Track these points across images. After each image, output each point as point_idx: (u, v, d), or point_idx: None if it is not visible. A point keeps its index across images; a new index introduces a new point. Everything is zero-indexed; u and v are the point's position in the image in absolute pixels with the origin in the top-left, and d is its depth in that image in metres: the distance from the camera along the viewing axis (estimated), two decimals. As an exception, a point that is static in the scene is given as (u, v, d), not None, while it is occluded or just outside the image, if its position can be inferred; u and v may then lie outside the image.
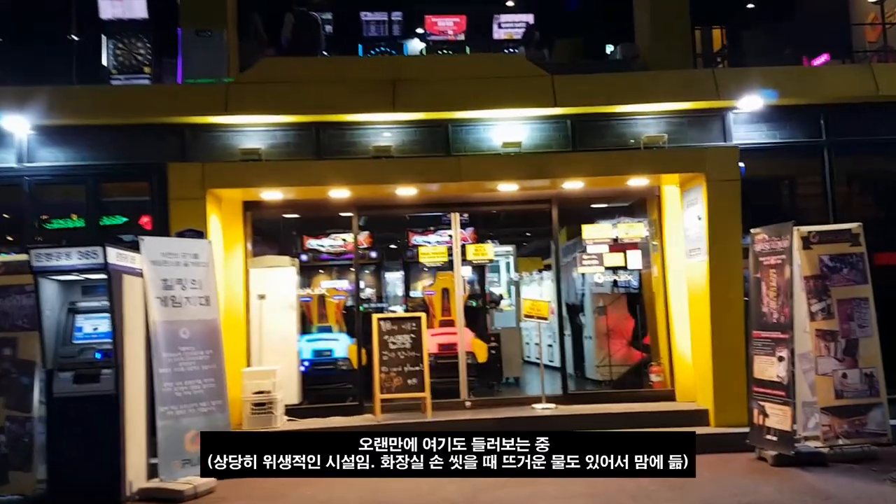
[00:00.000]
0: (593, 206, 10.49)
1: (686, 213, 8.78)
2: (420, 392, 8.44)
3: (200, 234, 7.72)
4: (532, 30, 10.66)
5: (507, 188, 8.66)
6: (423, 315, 8.77)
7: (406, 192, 8.63)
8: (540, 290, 17.70)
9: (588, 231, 9.47)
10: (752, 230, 7.67)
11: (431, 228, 12.07)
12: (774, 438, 7.15)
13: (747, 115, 8.78)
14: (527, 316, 9.11)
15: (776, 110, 8.72)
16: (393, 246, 12.83)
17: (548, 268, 19.11)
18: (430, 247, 9.82)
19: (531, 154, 8.61)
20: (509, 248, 13.87)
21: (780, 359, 7.15)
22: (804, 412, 7.24)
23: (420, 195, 8.91)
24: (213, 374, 6.97)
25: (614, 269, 9.60)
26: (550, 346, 16.51)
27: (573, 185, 8.66)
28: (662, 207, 9.27)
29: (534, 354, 16.61)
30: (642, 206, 9.99)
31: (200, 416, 6.74)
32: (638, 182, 8.73)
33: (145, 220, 8.75)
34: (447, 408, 8.86)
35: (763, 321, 7.44)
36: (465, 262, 9.47)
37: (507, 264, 15.05)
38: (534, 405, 8.95)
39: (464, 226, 10.48)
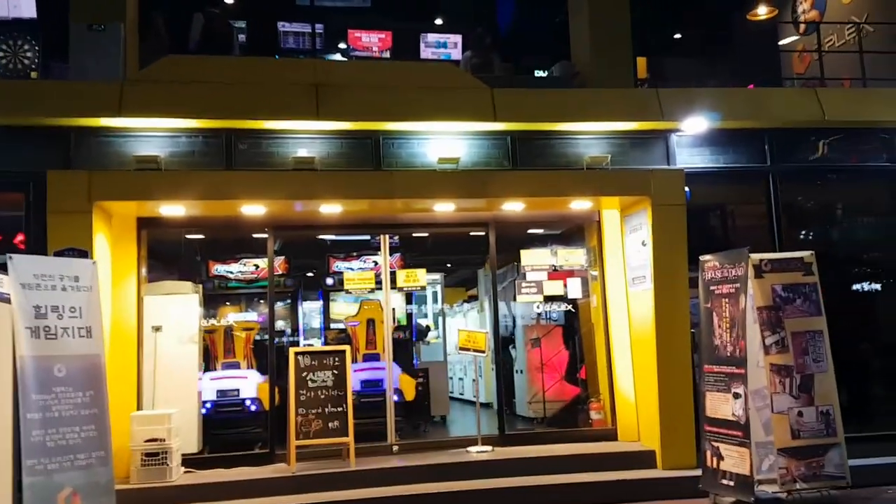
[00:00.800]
0: (530, 231, 10.02)
1: (628, 240, 8.42)
2: (343, 437, 7.59)
3: (84, 253, 6.68)
4: (483, 34, 10.14)
5: (443, 208, 8.05)
6: (347, 348, 7.95)
7: (330, 209, 7.85)
8: (464, 322, 17.22)
9: (526, 257, 8.96)
10: (701, 257, 7.35)
11: (354, 254, 11.28)
12: (731, 483, 6.74)
13: (691, 139, 8.56)
14: (462, 349, 8.46)
15: (720, 134, 8.54)
16: (310, 274, 11.96)
17: (471, 299, 18.80)
18: (356, 272, 9.03)
19: (469, 171, 8.05)
20: (437, 276, 13.20)
21: (736, 396, 6.78)
22: (758, 453, 6.87)
23: (345, 214, 8.16)
24: (94, 419, 5.91)
25: (550, 299, 9.09)
26: (475, 380, 16.00)
27: (513, 205, 8.14)
28: (602, 234, 8.90)
29: (458, 390, 16.05)
30: (580, 233, 9.59)
31: (77, 471, 5.68)
32: (580, 205, 8.31)
33: (20, 240, 7.58)
34: (372, 453, 8.04)
35: (715, 355, 7.08)
36: (394, 288, 8.74)
37: (434, 294, 14.40)
38: (468, 448, 8.26)
39: (391, 251, 9.81)
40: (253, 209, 7.68)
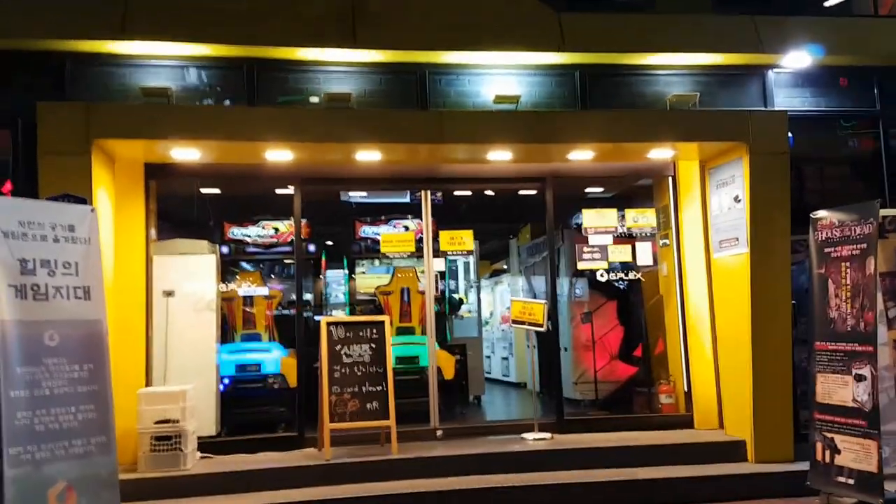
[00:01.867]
0: (588, 190, 9.00)
1: (714, 197, 7.36)
2: (383, 419, 6.65)
3: (81, 199, 5.73)
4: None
5: (499, 156, 7.00)
6: (385, 318, 6.99)
7: (366, 157, 6.84)
8: (491, 298, 16.27)
9: (589, 218, 7.91)
10: (815, 214, 6.28)
11: (382, 218, 10.31)
12: (850, 481, 5.72)
13: (789, 77, 7.46)
14: (515, 322, 7.46)
15: (823, 72, 7.43)
16: (330, 242, 11.03)
17: (497, 273, 17.81)
18: (394, 232, 8.01)
19: (532, 112, 6.99)
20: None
21: (859, 378, 5.74)
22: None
23: (381, 166, 7.15)
24: (93, 398, 4.99)
25: (607, 269, 8.07)
26: (505, 358, 15.10)
27: (581, 154, 7.08)
28: (678, 190, 7.84)
29: (494, 370, 15.14)
30: (645, 192, 8.55)
31: (73, 461, 4.78)
32: (659, 154, 7.25)
33: (7, 189, 6.65)
34: (413, 437, 7.12)
35: (831, 329, 6.03)
36: (437, 254, 7.74)
37: (466, 264, 13.42)
38: (523, 435, 7.32)
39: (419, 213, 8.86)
40: (277, 154, 6.67)
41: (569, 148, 6.93)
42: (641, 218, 7.96)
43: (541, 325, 7.17)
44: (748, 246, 6.77)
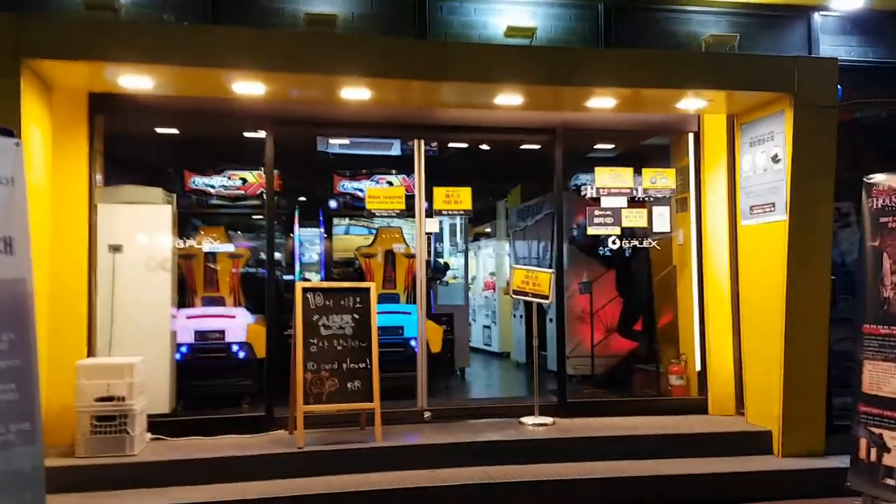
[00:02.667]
0: (597, 147, 8.19)
1: (746, 156, 6.59)
2: (366, 402, 5.84)
3: (6, 132, 4.74)
4: None
5: (508, 101, 6.11)
6: (371, 285, 6.14)
7: (353, 94, 5.91)
8: (474, 263, 15.50)
9: (602, 177, 7.09)
10: (869, 178, 5.54)
11: (364, 172, 9.41)
12: (900, 483, 5.10)
13: (837, 22, 6.66)
14: (517, 292, 6.66)
15: (875, 17, 6.63)
16: (304, 198, 10.13)
17: (479, 237, 17.03)
18: (380, 188, 7.10)
19: (549, 48, 6.11)
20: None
21: (918, 367, 5.09)
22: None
23: (368, 107, 6.24)
24: (14, 375, 4.08)
25: (620, 235, 7.28)
26: (487, 327, 14.41)
27: (599, 102, 6.23)
28: (701, 148, 7.06)
29: (475, 338, 14.45)
30: (661, 151, 7.78)
31: (-12, 451, 3.91)
32: (691, 104, 6.45)
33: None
34: (397, 419, 6.37)
35: (884, 311, 5.33)
36: (429, 213, 6.87)
37: (453, 226, 12.59)
38: (522, 419, 6.60)
39: (408, 170, 7.96)
40: (246, 86, 5.69)
41: (587, 93, 6.07)
42: (660, 179, 7.17)
43: (546, 297, 6.39)
44: (787, 212, 6.03)
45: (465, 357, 10.38)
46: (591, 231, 7.01)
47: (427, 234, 6.91)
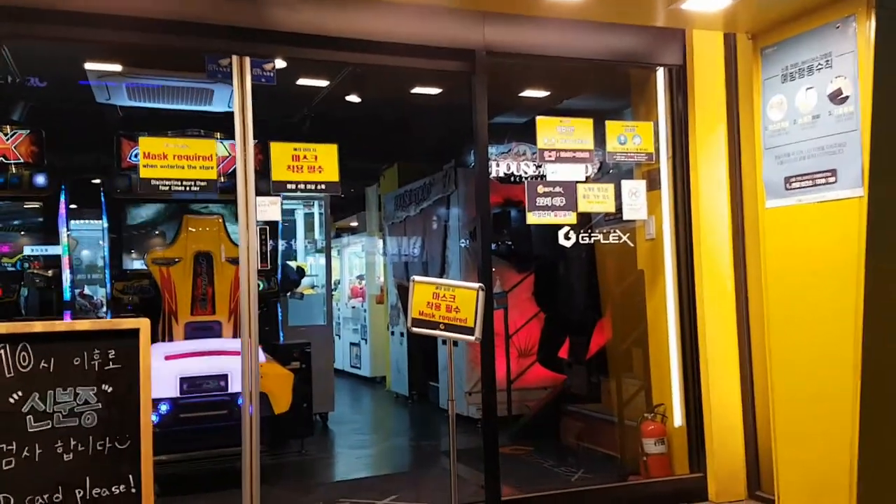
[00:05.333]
0: (526, 94, 5.69)
1: (776, 97, 4.29)
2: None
3: None
4: None
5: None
6: (142, 324, 3.19)
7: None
8: (338, 265, 12.77)
9: (549, 131, 4.55)
10: None
11: (170, 134, 6.35)
12: None
13: None
14: (419, 323, 3.89)
15: None
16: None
17: (343, 232, 14.25)
18: (174, 148, 4.06)
19: None
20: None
21: None
22: None
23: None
24: None
25: (574, 224, 4.78)
26: (356, 344, 11.74)
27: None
28: (692, 91, 4.76)
29: (340, 359, 11.80)
30: (616, 97, 5.46)
31: None
32: (693, 5, 4.05)
33: None
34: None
35: None
36: (269, 190, 4.03)
37: (309, 217, 9.77)
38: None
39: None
40: None
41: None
42: (632, 139, 4.74)
43: (471, 332, 3.73)
44: (863, 184, 3.76)
45: (329, 399, 7.72)
46: (532, 219, 4.44)
47: (262, 223, 4.10)
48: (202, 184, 3.85)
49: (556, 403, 6.90)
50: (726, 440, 4.70)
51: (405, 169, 9.28)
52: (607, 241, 4.96)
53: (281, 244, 7.03)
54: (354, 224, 13.60)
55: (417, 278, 3.88)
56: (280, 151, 3.96)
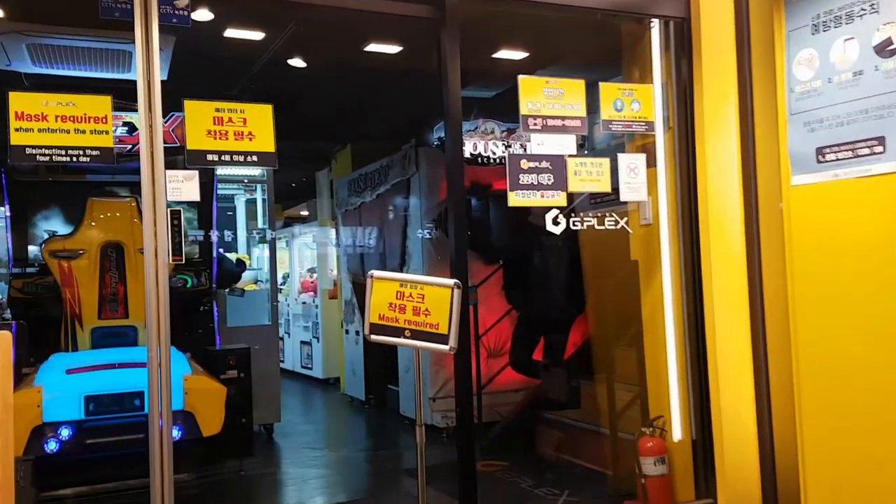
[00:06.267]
0: (500, 55, 4.94)
1: (804, 52, 3.60)
2: None
3: None
4: None
5: None
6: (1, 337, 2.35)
7: None
8: (286, 256, 11.90)
9: (533, 91, 3.78)
10: None
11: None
12: None
13: None
14: (378, 329, 3.11)
15: None
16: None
17: (290, 222, 13.34)
18: (64, 102, 3.19)
19: None
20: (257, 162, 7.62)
21: None
22: None
23: None
24: None
25: (563, 207, 4.04)
26: (307, 343, 10.91)
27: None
28: (697, 49, 4.07)
29: (290, 359, 11.00)
30: (604, 60, 4.77)
31: None
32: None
33: None
34: None
35: None
36: (189, 160, 3.19)
37: (250, 203, 8.89)
38: None
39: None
40: None
41: None
42: (630, 103, 4.01)
43: (445, 339, 2.97)
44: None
45: (275, 409, 6.92)
46: (515, 201, 3.67)
47: (174, 204, 3.26)
48: (94, 153, 2.99)
49: (531, 409, 6.23)
50: (740, 459, 4.03)
51: (359, 150, 8.48)
52: (595, 228, 4.23)
53: (216, 234, 6.18)
54: (305, 213, 12.73)
55: (377, 273, 3.10)
56: (197, 112, 3.13)
